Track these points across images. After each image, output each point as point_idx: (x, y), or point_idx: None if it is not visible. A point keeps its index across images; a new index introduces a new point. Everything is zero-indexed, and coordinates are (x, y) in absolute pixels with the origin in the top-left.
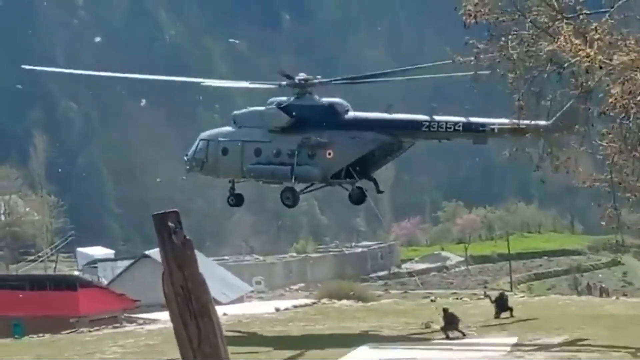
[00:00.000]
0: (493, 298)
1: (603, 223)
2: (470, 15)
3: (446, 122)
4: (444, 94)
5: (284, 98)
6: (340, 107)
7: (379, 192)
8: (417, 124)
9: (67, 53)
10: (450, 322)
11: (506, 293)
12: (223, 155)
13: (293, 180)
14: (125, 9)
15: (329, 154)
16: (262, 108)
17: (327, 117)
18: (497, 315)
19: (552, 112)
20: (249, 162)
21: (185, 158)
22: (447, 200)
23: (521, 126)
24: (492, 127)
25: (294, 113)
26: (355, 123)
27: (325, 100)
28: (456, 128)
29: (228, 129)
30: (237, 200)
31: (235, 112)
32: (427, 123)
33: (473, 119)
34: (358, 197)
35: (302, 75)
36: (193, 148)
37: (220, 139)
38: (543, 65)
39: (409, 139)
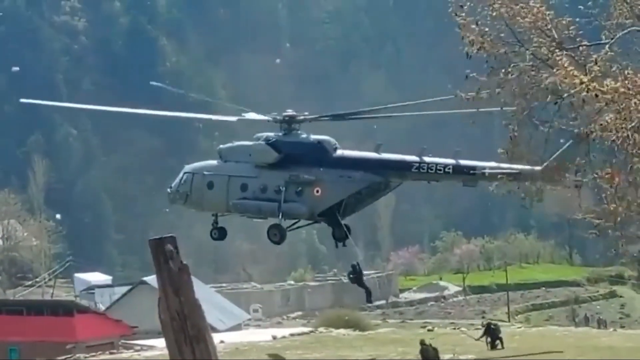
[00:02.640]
0: (476, 336)
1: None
2: (472, 45)
3: (436, 164)
4: (444, 127)
5: (272, 134)
6: (329, 145)
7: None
8: (406, 165)
9: (68, 79)
10: (427, 357)
11: (495, 322)
12: (208, 189)
13: (280, 216)
14: (126, 36)
15: (317, 191)
16: (250, 143)
17: (315, 155)
18: (493, 346)
19: (549, 146)
20: (235, 196)
21: (169, 190)
22: (445, 230)
23: (512, 171)
24: (483, 170)
25: (282, 149)
26: (344, 161)
27: (314, 137)
28: (446, 170)
29: (214, 162)
30: (219, 233)
31: (221, 146)
32: (417, 164)
33: (463, 162)
34: (342, 235)
35: (290, 112)
36: (177, 180)
37: (206, 172)
38: (543, 96)
39: (398, 179)
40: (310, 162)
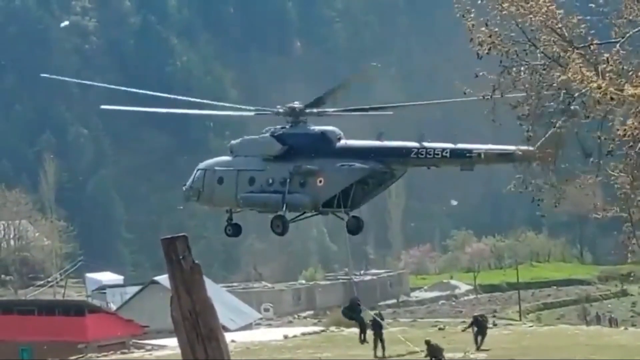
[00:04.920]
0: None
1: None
2: (482, 46)
3: (434, 149)
4: (455, 121)
5: (279, 127)
6: (333, 135)
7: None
8: (406, 151)
9: (79, 78)
10: (434, 355)
11: (483, 315)
12: (219, 184)
13: (284, 208)
14: (137, 35)
15: (320, 181)
16: (257, 137)
17: (319, 145)
18: (475, 339)
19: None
20: (243, 190)
21: (184, 188)
22: (456, 229)
23: (507, 152)
24: (479, 152)
25: (287, 141)
26: (346, 151)
27: (318, 128)
28: (444, 154)
29: (226, 158)
30: (234, 230)
31: (232, 141)
32: (416, 150)
33: (461, 145)
34: (355, 227)
35: (297, 104)
36: (191, 178)
37: (217, 168)
38: (555, 95)
39: (399, 166)
40: (313, 153)
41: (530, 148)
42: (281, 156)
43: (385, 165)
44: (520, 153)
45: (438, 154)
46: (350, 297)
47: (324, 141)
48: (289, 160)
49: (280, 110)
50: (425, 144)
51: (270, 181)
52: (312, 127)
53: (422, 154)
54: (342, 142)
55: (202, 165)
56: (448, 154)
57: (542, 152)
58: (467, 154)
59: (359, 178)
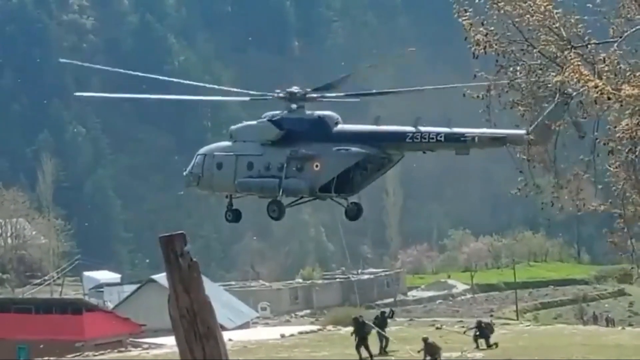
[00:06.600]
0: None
1: (613, 246)
2: (479, 45)
3: (429, 133)
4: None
5: (278, 112)
6: (330, 120)
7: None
8: (401, 135)
9: (77, 77)
10: (431, 353)
11: (487, 322)
12: (217, 169)
13: (280, 193)
14: (135, 34)
15: (316, 166)
16: (255, 122)
17: (316, 130)
18: (475, 340)
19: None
20: (241, 175)
21: (184, 173)
22: (454, 228)
23: (500, 135)
24: (473, 136)
25: (284, 126)
26: (343, 136)
27: (316, 113)
28: (438, 138)
29: (225, 143)
30: (234, 216)
31: (232, 126)
32: (411, 134)
33: (455, 129)
34: (354, 213)
35: (296, 89)
36: (191, 163)
37: (216, 153)
38: (552, 95)
39: (394, 150)
40: (310, 138)
41: (522, 132)
42: (279, 141)
43: (381, 150)
44: (511, 137)
45: (433, 138)
46: (353, 317)
47: (322, 126)
48: (286, 145)
49: (280, 94)
50: (421, 128)
51: (268, 166)
52: (310, 112)
53: (418, 138)
54: (339, 126)
55: (202, 150)
56: (443, 138)
57: (534, 136)
58: (462, 138)
59: (355, 162)
